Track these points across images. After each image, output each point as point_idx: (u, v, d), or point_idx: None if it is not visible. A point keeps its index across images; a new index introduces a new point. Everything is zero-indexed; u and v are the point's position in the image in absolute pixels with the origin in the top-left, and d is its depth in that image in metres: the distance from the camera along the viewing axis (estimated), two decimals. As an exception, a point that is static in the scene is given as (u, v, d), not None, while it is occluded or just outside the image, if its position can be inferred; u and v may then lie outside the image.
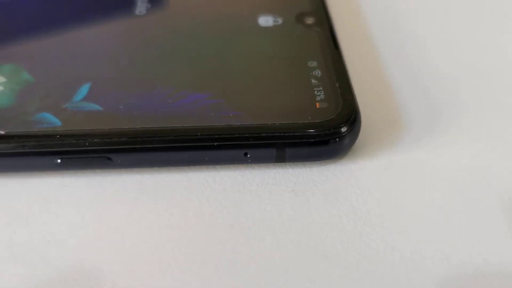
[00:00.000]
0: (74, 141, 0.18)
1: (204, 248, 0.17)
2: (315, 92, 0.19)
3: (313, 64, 0.20)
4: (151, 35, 0.22)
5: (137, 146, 0.18)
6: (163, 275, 0.16)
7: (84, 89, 0.19)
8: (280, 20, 0.22)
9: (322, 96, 0.19)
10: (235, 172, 0.19)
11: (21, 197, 0.18)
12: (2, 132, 0.18)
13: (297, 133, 0.18)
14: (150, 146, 0.18)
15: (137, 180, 0.19)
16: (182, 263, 0.16)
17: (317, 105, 0.19)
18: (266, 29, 0.22)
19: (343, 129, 0.18)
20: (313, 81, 0.20)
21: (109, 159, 0.18)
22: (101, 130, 0.18)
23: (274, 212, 0.18)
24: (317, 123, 0.18)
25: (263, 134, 0.18)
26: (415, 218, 0.17)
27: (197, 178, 0.19)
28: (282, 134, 0.18)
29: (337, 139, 0.18)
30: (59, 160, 0.18)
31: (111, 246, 0.17)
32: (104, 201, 0.18)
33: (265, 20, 0.22)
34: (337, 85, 0.19)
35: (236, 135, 0.18)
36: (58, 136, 0.18)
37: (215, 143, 0.18)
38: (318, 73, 0.20)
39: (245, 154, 0.18)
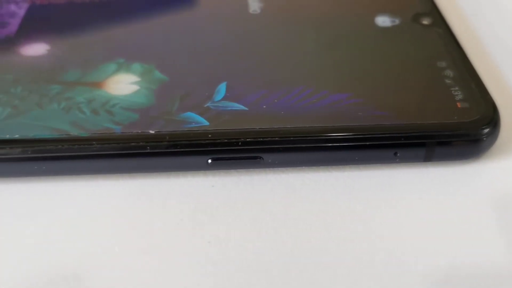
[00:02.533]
0: (226, 140, 0.18)
1: (355, 247, 0.17)
2: (452, 92, 0.19)
3: (442, 64, 0.20)
4: (274, 35, 0.22)
5: (290, 146, 0.18)
6: (329, 273, 0.16)
7: (222, 88, 0.19)
8: (397, 21, 0.22)
9: (461, 96, 0.19)
10: (379, 172, 0.19)
11: (172, 198, 0.18)
12: (152, 132, 0.18)
13: (448, 133, 0.18)
14: (303, 145, 0.18)
15: (285, 179, 0.18)
16: (347, 263, 0.16)
17: (458, 105, 0.19)
18: (386, 29, 0.22)
19: (489, 129, 0.18)
20: (447, 81, 0.20)
21: (261, 158, 0.18)
22: (253, 129, 0.18)
23: (425, 213, 0.18)
24: (467, 123, 0.18)
25: (414, 134, 0.18)
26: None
27: (342, 177, 0.19)
28: (434, 133, 0.18)
29: (485, 138, 0.18)
30: (209, 160, 0.18)
31: (272, 246, 0.17)
32: (256, 201, 0.18)
33: (382, 21, 0.22)
34: (472, 85, 0.19)
35: (389, 135, 0.18)
36: (210, 136, 0.18)
37: (367, 143, 0.18)
38: (450, 73, 0.20)
39: (395, 153, 0.18)
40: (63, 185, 0.18)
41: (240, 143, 0.18)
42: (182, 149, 0.18)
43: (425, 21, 0.22)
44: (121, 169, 0.18)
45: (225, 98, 0.19)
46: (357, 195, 0.18)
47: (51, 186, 0.18)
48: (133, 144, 0.18)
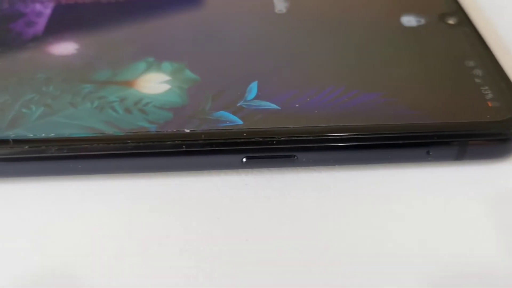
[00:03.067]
0: (261, 139, 0.18)
1: (389, 245, 0.17)
2: (482, 91, 0.19)
3: (470, 63, 0.20)
4: (301, 34, 0.22)
5: (325, 145, 0.18)
6: (364, 270, 0.16)
7: (254, 88, 0.19)
8: (422, 21, 0.23)
9: (491, 96, 0.19)
10: (410, 170, 0.19)
11: (207, 196, 0.18)
12: (187, 131, 0.18)
13: (481, 132, 0.18)
14: (337, 144, 0.18)
15: (317, 178, 0.19)
16: (382, 261, 0.17)
17: (489, 104, 0.19)
18: (412, 29, 0.22)
19: None
20: (477, 80, 0.20)
21: (295, 157, 0.18)
22: (288, 128, 0.18)
23: (457, 211, 0.18)
24: (499, 122, 0.18)
25: (447, 133, 0.18)
26: None
27: (374, 175, 0.19)
28: (466, 132, 0.18)
29: None
30: (244, 159, 0.18)
31: (308, 244, 0.17)
32: (290, 200, 0.18)
33: (408, 21, 0.23)
34: (502, 84, 0.20)
35: (422, 133, 0.18)
36: (244, 134, 0.18)
37: (401, 141, 0.18)
38: (478, 72, 0.20)
39: (428, 152, 0.18)
40: (97, 184, 0.18)
41: (275, 142, 0.18)
42: (217, 148, 0.18)
43: (451, 21, 0.22)
44: (155, 168, 0.18)
45: (257, 97, 0.19)
46: (390, 193, 0.18)
47: (86, 185, 0.18)
48: (169, 143, 0.18)
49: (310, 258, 0.17)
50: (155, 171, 0.18)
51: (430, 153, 0.18)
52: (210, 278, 0.16)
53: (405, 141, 0.18)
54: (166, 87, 0.19)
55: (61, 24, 0.22)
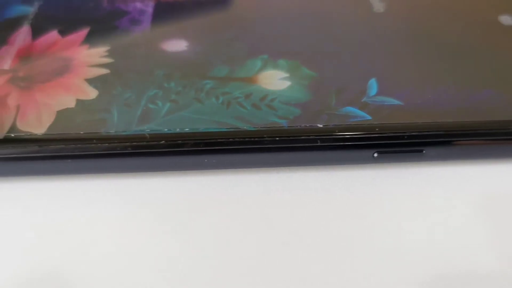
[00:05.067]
0: (392, 134, 0.18)
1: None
2: None
3: None
4: (404, 32, 0.22)
5: (452, 139, 0.18)
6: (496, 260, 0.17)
7: (373, 84, 0.20)
8: (519, 20, 0.23)
9: None
10: None
11: (338, 190, 0.18)
12: (320, 126, 0.18)
13: None
14: (464, 139, 0.18)
15: (440, 173, 0.19)
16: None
17: None
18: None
19: None
20: None
21: (423, 152, 0.18)
22: (417, 123, 0.18)
23: None
24: None
25: None
26: None
27: (497, 170, 0.19)
28: None
29: None
30: (375, 154, 0.18)
31: (449, 237, 0.17)
32: (420, 194, 0.18)
33: (505, 19, 0.23)
34: None
35: None
36: (377, 129, 0.18)
37: (524, 135, 0.19)
38: None
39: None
40: (228, 178, 0.19)
41: (406, 137, 0.18)
42: (351, 143, 0.18)
43: (546, 20, 0.23)
44: (286, 162, 0.19)
45: (379, 93, 0.19)
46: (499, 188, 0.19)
47: (219, 180, 0.19)
48: (303, 137, 0.18)
49: (446, 252, 0.17)
50: (285, 165, 0.19)
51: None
52: (354, 268, 0.16)
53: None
54: (287, 83, 0.20)
55: (166, 21, 0.23)
